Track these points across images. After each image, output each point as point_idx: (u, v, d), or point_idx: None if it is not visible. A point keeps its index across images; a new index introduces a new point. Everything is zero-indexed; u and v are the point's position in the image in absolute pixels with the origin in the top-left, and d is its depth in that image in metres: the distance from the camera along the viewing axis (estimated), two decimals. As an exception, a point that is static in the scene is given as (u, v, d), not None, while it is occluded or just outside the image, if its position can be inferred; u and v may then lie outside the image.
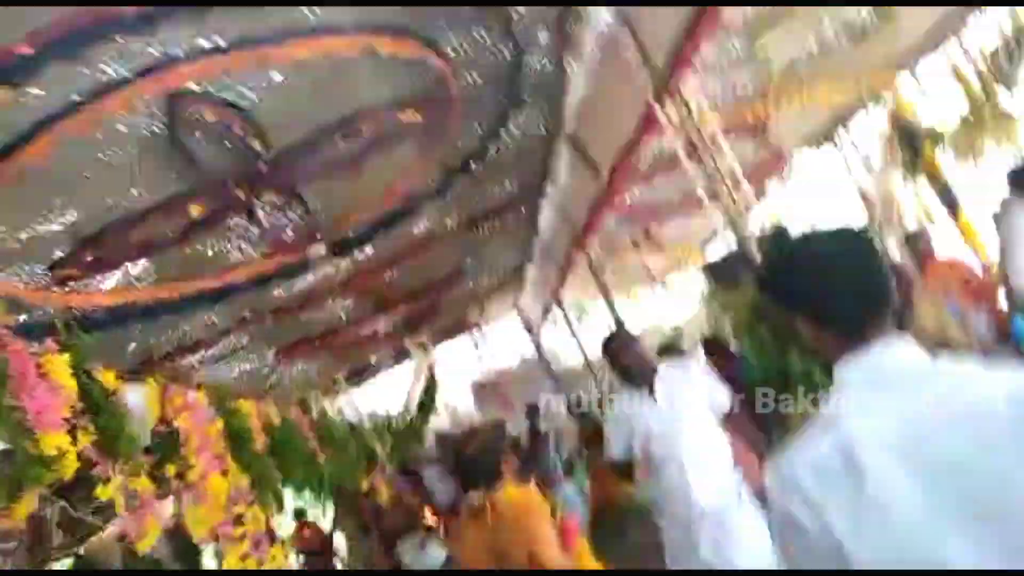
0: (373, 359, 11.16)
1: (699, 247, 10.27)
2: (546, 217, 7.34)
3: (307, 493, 5.66)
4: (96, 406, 2.26)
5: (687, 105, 4.02)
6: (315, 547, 10.92)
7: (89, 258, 3.88)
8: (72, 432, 2.05)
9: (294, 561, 8.50)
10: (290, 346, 8.58)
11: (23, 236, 3.56)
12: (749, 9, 4.65)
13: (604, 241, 8.62)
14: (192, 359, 6.67)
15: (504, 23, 4.02)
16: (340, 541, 11.09)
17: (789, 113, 7.03)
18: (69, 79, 2.84)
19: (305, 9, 3.21)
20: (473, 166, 5.63)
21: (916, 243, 5.82)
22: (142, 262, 4.64)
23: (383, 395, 11.09)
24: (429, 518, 7.61)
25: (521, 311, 13.25)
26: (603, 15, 3.94)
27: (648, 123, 4.43)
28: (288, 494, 8.94)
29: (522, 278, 10.71)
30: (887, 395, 1.01)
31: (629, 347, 3.67)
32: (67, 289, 4.36)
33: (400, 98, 4.24)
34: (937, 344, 4.10)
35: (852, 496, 0.95)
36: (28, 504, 1.87)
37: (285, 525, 11.54)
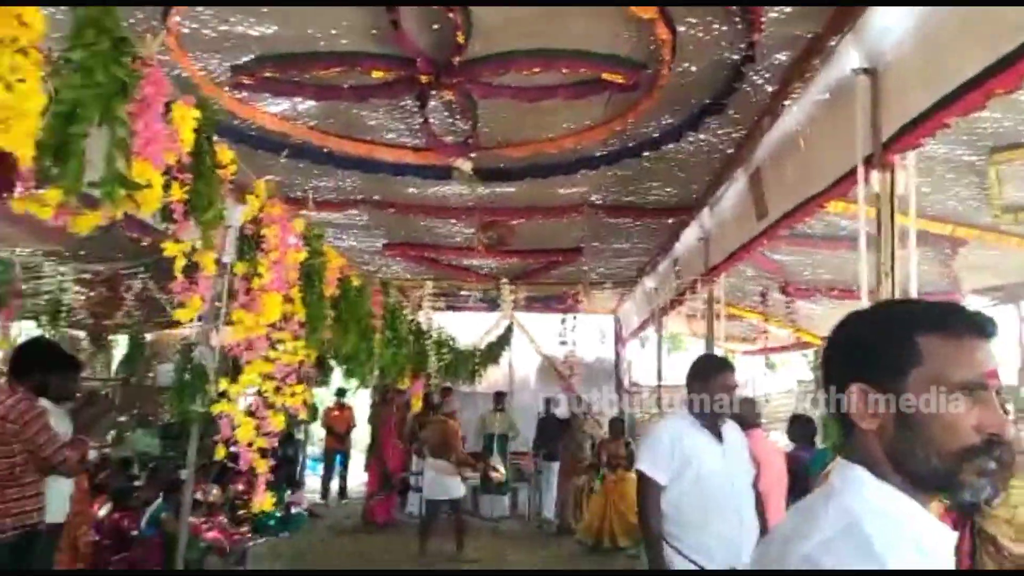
0: (464, 292, 11.25)
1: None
2: (690, 235, 7.03)
3: (356, 378, 5.77)
4: (200, 169, 2.26)
5: (892, 185, 3.64)
6: (339, 429, 11.31)
7: (268, 74, 3.98)
8: (168, 183, 2.06)
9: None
10: (400, 245, 8.75)
11: (222, 28, 3.69)
12: (1005, 119, 4.18)
13: (734, 286, 8.23)
14: (313, 215, 6.91)
15: (748, 25, 3.76)
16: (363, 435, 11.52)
17: (986, 252, 6.41)
18: None
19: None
20: (645, 153, 5.42)
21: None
22: (310, 103, 4.76)
23: (459, 328, 11.19)
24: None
25: (618, 317, 12.98)
26: (853, 57, 3.60)
27: (842, 187, 4.07)
28: (337, 374, 9.25)
29: (635, 284, 10.43)
30: None
31: (728, 377, 3.48)
32: (239, 95, 4.54)
33: (611, 54, 4.08)
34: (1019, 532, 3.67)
35: None
36: (95, 218, 1.87)
37: (325, 400, 12.04)
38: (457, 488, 7.61)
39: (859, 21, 3.49)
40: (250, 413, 2.97)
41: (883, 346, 1.03)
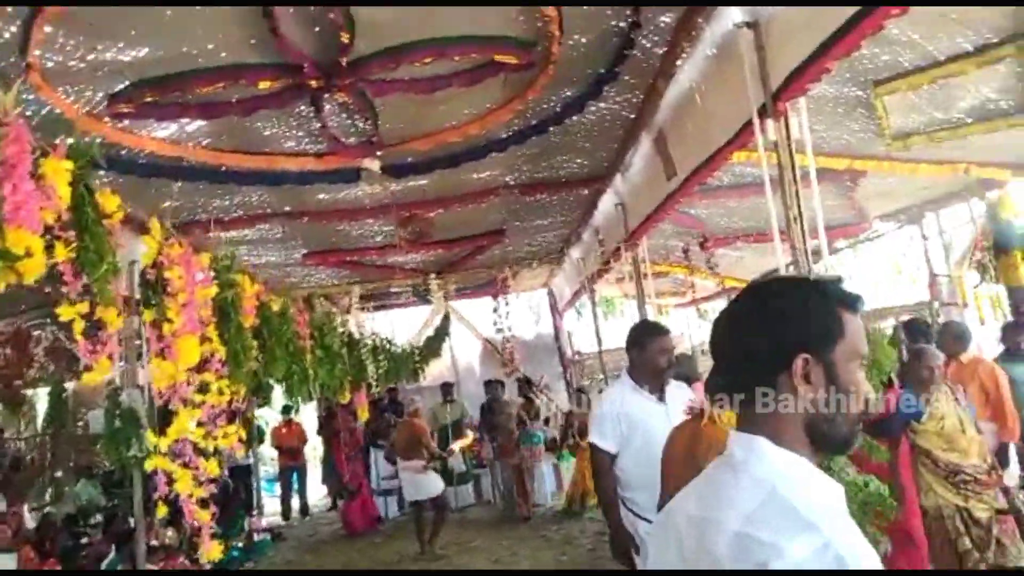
0: (395, 289, 11.12)
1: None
2: (607, 203, 7.11)
3: (297, 397, 5.63)
4: (84, 223, 2.13)
5: (787, 131, 3.74)
6: (292, 445, 11.07)
7: (149, 99, 3.79)
8: (51, 243, 1.93)
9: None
10: (320, 252, 8.55)
11: (90, 57, 3.48)
12: (882, 53, 4.35)
13: (656, 245, 8.38)
14: (224, 236, 6.67)
15: (629, -10, 3.79)
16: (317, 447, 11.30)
17: (884, 180, 6.71)
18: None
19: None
20: (550, 129, 5.42)
21: (956, 334, 5.36)
22: (199, 122, 4.56)
23: (395, 325, 11.05)
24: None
25: (551, 290, 13.08)
26: (734, 12, 3.68)
27: (741, 139, 4.18)
28: (278, 392, 9.05)
29: (562, 257, 10.52)
30: None
31: (664, 342, 3.55)
32: (120, 125, 4.31)
33: (502, 35, 4.05)
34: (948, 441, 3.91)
35: None
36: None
37: (271, 418, 11.75)
38: (436, 486, 7.66)
39: (734, -24, 3.57)
40: (184, 464, 2.85)
41: (820, 319, 1.09)
